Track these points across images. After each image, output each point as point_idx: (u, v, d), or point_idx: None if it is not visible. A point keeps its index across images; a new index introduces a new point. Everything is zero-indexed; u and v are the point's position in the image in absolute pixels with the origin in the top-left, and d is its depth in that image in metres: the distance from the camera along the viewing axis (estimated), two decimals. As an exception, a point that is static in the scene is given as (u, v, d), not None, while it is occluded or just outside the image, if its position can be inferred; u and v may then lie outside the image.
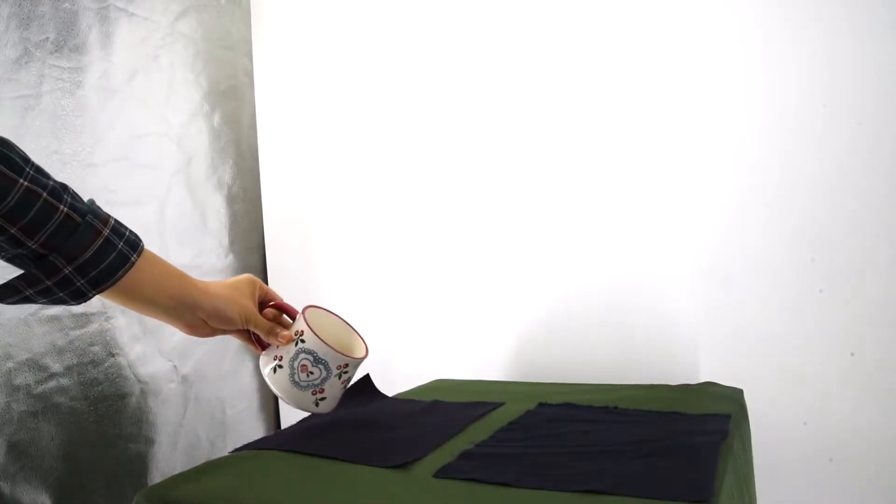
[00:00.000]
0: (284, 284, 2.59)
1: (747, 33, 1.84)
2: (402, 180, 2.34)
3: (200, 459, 2.28)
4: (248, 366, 2.52)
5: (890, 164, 1.69)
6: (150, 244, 2.22)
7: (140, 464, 2.07)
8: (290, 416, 2.57)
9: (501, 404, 1.58)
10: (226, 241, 2.46)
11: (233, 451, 1.30)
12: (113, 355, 2.02)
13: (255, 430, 2.53)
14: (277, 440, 1.33)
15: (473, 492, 1.03)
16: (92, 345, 1.97)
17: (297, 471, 1.15)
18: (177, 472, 2.15)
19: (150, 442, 2.10)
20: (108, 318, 2.01)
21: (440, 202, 2.27)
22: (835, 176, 1.74)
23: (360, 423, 1.45)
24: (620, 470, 1.06)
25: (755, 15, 1.83)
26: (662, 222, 1.94)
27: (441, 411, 1.55)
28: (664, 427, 1.31)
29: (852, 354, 1.72)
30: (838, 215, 1.74)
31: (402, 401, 1.69)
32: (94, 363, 1.97)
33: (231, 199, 2.50)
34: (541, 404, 1.55)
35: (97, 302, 1.98)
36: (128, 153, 2.10)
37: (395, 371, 2.26)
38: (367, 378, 1.79)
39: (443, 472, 1.10)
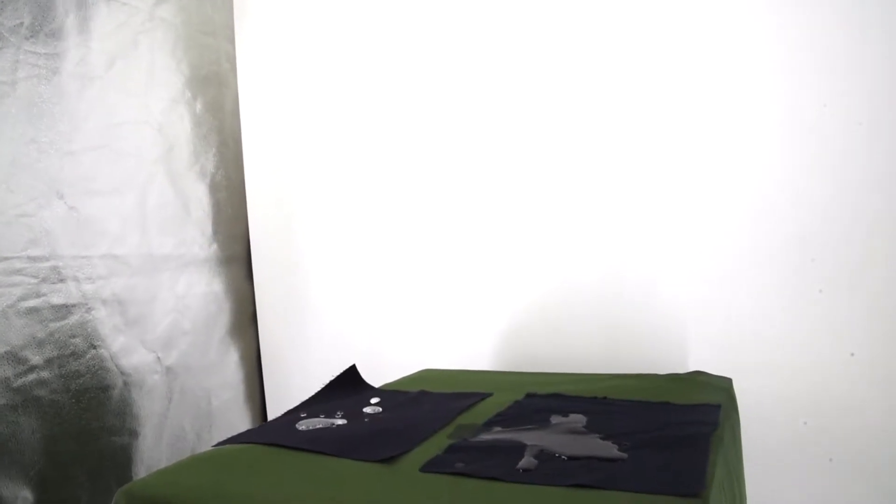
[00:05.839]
0: (269, 274, 2.56)
1: (748, 35, 1.82)
2: (389, 168, 2.31)
3: (186, 451, 2.26)
4: (234, 356, 2.49)
5: (890, 164, 1.68)
6: (131, 234, 2.19)
7: (124, 457, 2.04)
8: (277, 406, 2.55)
9: (489, 395, 1.56)
10: (209, 230, 2.43)
11: (216, 445, 1.28)
12: (94, 347, 1.98)
13: (241, 420, 2.51)
14: (261, 433, 1.31)
15: (460, 486, 1.01)
16: (73, 336, 1.93)
17: (281, 465, 1.13)
18: (162, 464, 2.14)
19: (133, 434, 2.07)
20: (88, 310, 1.97)
21: (428, 191, 2.24)
22: (835, 176, 1.73)
23: (346, 415, 1.43)
24: (610, 463, 1.04)
25: (756, 17, 1.81)
26: (658, 219, 1.92)
27: (428, 402, 1.53)
28: (654, 418, 1.29)
29: (852, 354, 1.72)
30: (838, 215, 1.73)
31: (389, 391, 1.67)
32: (75, 355, 1.93)
33: (214, 188, 2.46)
34: (528, 395, 1.53)
35: (77, 293, 1.94)
36: (107, 141, 2.06)
37: (382, 361, 2.24)
38: (352, 369, 1.77)
39: (429, 466, 1.08)
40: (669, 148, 1.91)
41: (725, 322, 1.84)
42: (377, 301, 2.34)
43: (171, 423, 2.21)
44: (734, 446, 1.33)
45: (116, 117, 2.09)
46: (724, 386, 1.58)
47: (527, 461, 1.07)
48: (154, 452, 2.13)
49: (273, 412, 2.57)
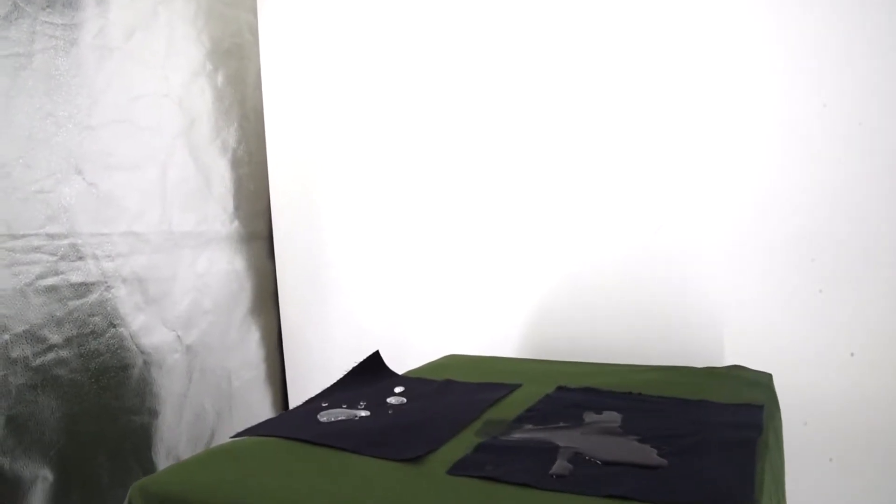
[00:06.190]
0: (291, 252, 2.51)
1: (748, 35, 1.78)
2: (415, 146, 2.24)
3: (206, 431, 2.23)
4: (254, 335, 2.46)
5: (890, 164, 1.65)
6: (152, 210, 2.14)
7: (144, 436, 2.02)
8: (297, 386, 2.52)
9: (518, 386, 1.50)
10: (231, 206, 2.38)
11: (234, 436, 1.23)
12: (114, 326, 1.95)
13: (261, 401, 2.48)
14: (281, 426, 1.26)
15: (489, 492, 0.95)
16: (92, 315, 1.90)
17: (301, 461, 1.08)
18: (182, 443, 2.12)
19: (154, 414, 2.05)
20: (108, 288, 1.94)
21: (453, 170, 2.17)
22: (835, 176, 1.71)
23: (369, 406, 1.38)
24: (649, 471, 0.98)
25: (756, 17, 1.77)
26: (664, 214, 1.88)
27: (454, 393, 1.48)
28: (693, 418, 1.22)
29: (852, 354, 1.70)
30: (838, 215, 1.71)
31: (413, 379, 1.61)
32: (95, 334, 1.90)
33: (236, 163, 2.40)
34: (559, 388, 1.47)
35: (97, 271, 1.91)
36: (127, 115, 2.00)
37: (406, 345, 2.20)
38: (376, 355, 1.72)
39: (457, 469, 1.02)
40: (670, 147, 1.87)
41: (728, 324, 1.81)
42: (400, 281, 2.28)
43: (192, 402, 2.18)
44: (778, 449, 1.26)
45: (136, 90, 2.04)
46: (764, 382, 1.51)
47: (560, 466, 1.01)
48: (174, 432, 2.11)
49: (294, 392, 2.54)
